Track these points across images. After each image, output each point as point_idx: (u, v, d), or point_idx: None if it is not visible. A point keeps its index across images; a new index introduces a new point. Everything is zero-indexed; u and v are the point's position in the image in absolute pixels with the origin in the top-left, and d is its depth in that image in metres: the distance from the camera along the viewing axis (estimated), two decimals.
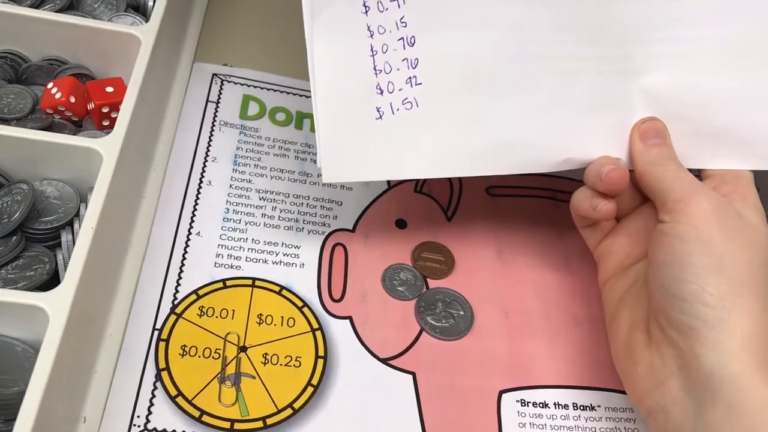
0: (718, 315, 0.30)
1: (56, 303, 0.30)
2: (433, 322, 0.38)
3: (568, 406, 0.37)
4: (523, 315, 0.40)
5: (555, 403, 0.37)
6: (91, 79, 0.42)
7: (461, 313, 0.39)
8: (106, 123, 0.40)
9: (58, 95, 0.39)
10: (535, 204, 0.45)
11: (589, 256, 0.43)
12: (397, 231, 0.42)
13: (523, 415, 0.36)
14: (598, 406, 0.37)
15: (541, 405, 0.37)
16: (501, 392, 0.37)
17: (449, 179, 0.45)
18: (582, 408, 0.37)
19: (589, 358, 0.39)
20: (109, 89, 0.40)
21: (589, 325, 0.40)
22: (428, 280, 0.40)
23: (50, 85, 0.40)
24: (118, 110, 0.39)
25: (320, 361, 0.36)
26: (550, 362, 0.38)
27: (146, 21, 0.44)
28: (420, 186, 0.44)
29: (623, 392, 0.38)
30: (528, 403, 0.37)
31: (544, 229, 0.44)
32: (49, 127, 0.39)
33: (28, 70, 0.41)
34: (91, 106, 0.40)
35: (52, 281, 0.34)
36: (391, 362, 0.37)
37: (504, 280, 0.41)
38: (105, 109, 0.39)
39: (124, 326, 0.35)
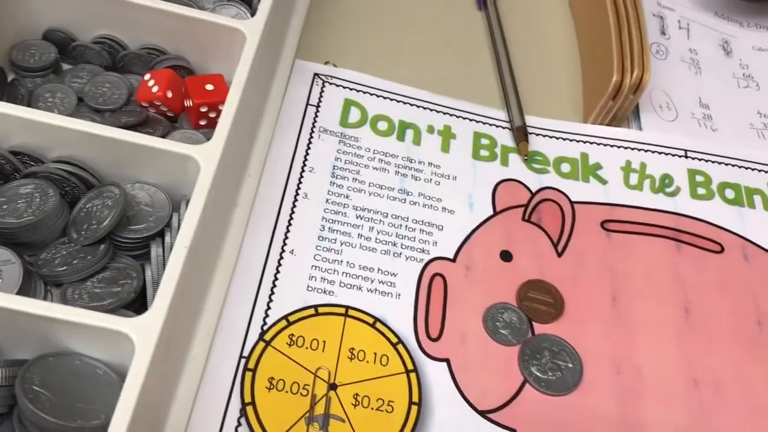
0: None
1: (144, 331, 0.27)
2: (538, 373, 0.35)
3: None
4: (637, 372, 0.36)
5: None
6: (189, 72, 0.40)
7: (569, 365, 0.35)
8: (203, 122, 0.38)
9: (155, 89, 0.37)
10: (655, 244, 0.41)
11: (712, 307, 0.39)
12: (502, 264, 0.38)
13: None
14: None
15: None
16: None
17: (561, 210, 0.41)
18: None
19: (707, 427, 0.35)
20: (209, 87, 0.37)
21: (710, 389, 0.36)
22: (534, 323, 0.37)
23: (147, 76, 0.37)
24: (216, 110, 0.37)
25: (414, 408, 0.33)
26: (664, 428, 0.34)
27: (250, 11, 0.41)
28: (528, 214, 0.41)
29: None
30: None
31: (664, 273, 0.40)
32: (143, 122, 0.37)
33: (126, 58, 0.39)
34: (188, 103, 0.37)
35: (137, 298, 0.31)
36: (490, 416, 0.33)
37: (617, 330, 0.37)
38: (203, 109, 0.37)
39: (208, 349, 0.33)
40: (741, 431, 0.35)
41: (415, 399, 0.33)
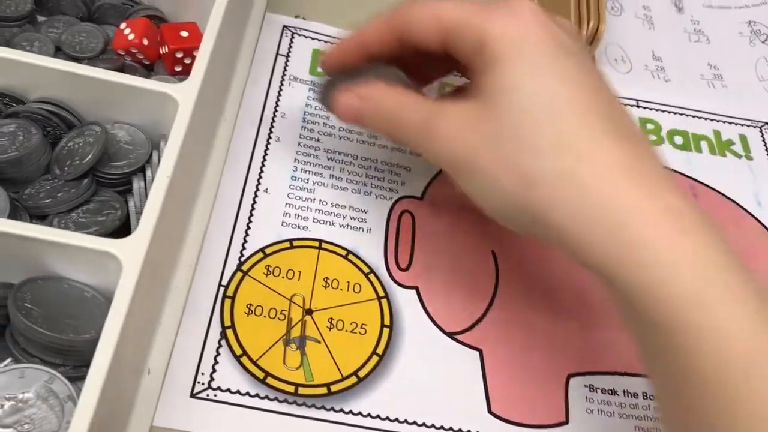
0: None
1: (130, 251, 0.29)
2: None
3: (638, 394, 0.36)
4: (597, 296, 0.38)
5: (624, 391, 0.36)
6: (164, 22, 0.41)
7: None
8: (178, 68, 0.39)
9: (131, 36, 0.38)
10: None
11: None
12: (467, 200, 0.40)
13: (591, 401, 0.35)
14: None
15: (610, 392, 0.35)
16: (569, 375, 0.36)
17: None
18: (652, 398, 0.36)
19: None
20: (184, 34, 0.38)
21: None
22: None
23: (123, 25, 0.39)
24: (191, 56, 0.38)
25: (386, 330, 0.35)
26: (621, 348, 0.37)
27: None
28: None
29: None
30: (597, 389, 0.35)
31: None
32: (120, 69, 0.38)
33: (101, 9, 0.40)
34: (164, 50, 0.39)
35: (121, 228, 0.33)
36: (457, 337, 0.36)
37: None
38: (179, 54, 0.38)
39: (190, 280, 0.34)
40: None
41: (387, 322, 0.35)
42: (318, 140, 0.41)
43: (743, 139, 0.48)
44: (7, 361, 0.29)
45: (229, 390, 0.32)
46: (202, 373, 0.32)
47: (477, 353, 0.35)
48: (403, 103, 0.31)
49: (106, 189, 0.34)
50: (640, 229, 0.25)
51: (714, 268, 0.25)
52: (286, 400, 0.32)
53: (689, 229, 0.26)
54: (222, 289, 0.34)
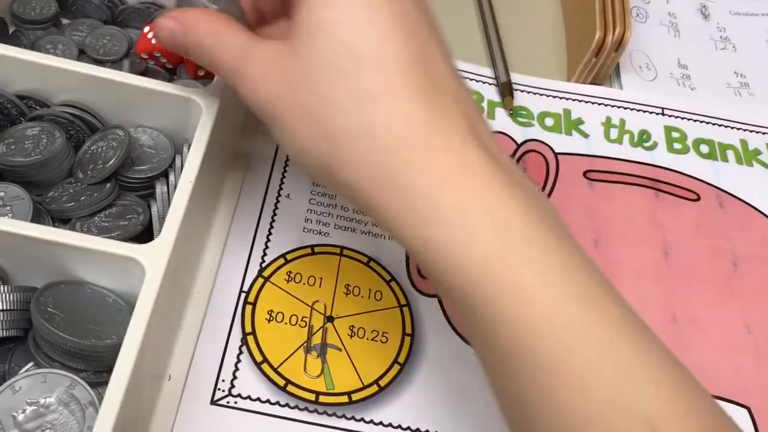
0: None
1: (154, 257, 0.28)
2: None
3: None
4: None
5: None
6: None
7: None
8: (201, 73, 0.39)
9: (154, 40, 0.38)
10: (635, 192, 0.43)
11: (689, 250, 0.41)
12: None
13: None
14: None
15: None
16: None
17: (546, 160, 0.43)
18: None
19: (687, 361, 0.37)
20: None
21: (688, 325, 0.38)
22: None
23: (147, 29, 0.38)
24: None
25: (407, 339, 0.35)
26: None
27: None
28: None
29: (724, 399, 0.36)
30: None
31: (644, 219, 0.42)
32: (143, 73, 0.38)
33: (125, 12, 0.40)
34: None
35: (143, 232, 0.33)
36: None
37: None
38: None
39: (212, 285, 0.34)
40: (716, 363, 0.37)
41: (408, 330, 0.35)
42: None
43: None
44: (30, 365, 0.29)
45: (249, 397, 0.31)
46: (223, 380, 0.32)
47: None
48: (220, 36, 0.28)
49: (128, 193, 0.34)
50: (426, 188, 0.24)
51: (502, 229, 0.23)
52: (306, 408, 0.32)
53: (481, 189, 0.24)
54: (243, 295, 0.34)
